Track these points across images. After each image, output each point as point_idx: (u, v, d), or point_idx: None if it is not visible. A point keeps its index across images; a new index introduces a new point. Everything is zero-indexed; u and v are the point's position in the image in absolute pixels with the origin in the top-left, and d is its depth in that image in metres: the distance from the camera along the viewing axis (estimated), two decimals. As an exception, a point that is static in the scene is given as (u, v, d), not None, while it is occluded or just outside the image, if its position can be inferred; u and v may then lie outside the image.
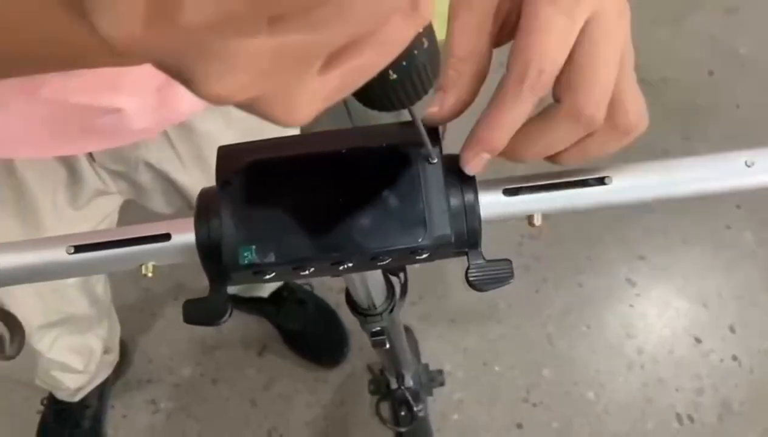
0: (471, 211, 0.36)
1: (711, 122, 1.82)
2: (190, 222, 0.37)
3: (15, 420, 1.41)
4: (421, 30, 0.22)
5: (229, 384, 1.47)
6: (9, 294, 0.95)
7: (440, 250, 0.35)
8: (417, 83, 0.28)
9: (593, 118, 0.32)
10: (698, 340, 1.49)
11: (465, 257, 0.37)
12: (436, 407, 1.39)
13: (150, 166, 0.78)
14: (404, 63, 0.25)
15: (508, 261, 0.37)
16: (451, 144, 0.38)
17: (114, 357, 1.32)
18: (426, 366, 1.17)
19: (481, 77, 0.34)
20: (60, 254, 0.38)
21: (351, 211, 0.35)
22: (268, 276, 0.36)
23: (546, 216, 0.38)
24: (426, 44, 0.26)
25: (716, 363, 1.46)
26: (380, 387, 1.07)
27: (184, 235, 0.37)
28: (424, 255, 0.36)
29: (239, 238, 0.34)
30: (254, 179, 0.35)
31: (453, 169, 0.36)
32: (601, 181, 0.37)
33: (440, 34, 0.36)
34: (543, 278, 1.57)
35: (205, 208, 0.36)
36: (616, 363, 1.47)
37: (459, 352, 1.48)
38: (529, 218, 0.38)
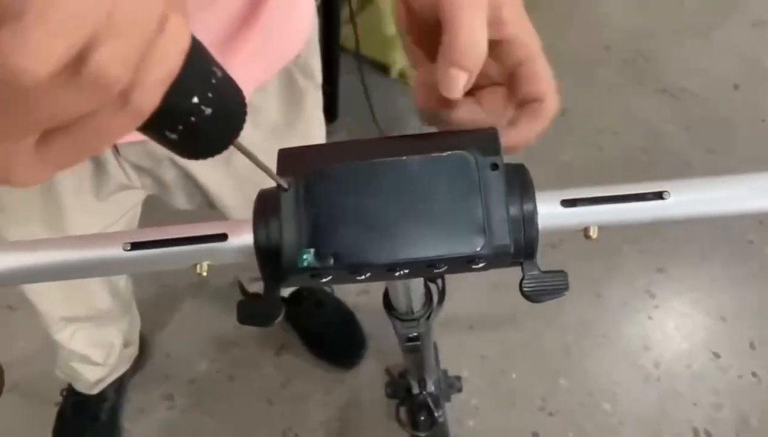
0: (529, 221, 0.36)
1: (735, 136, 1.81)
2: (248, 223, 0.37)
3: (33, 410, 1.42)
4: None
5: (246, 382, 1.47)
6: (32, 286, 0.96)
7: (498, 260, 0.35)
8: (203, 139, 0.28)
9: None
10: (717, 355, 1.48)
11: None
12: (452, 413, 1.37)
13: (174, 163, 0.78)
14: (180, 127, 0.27)
15: (563, 272, 0.37)
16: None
17: (133, 350, 1.32)
18: (445, 371, 1.17)
19: None
20: (116, 251, 0.38)
21: (410, 217, 0.35)
22: (324, 280, 0.36)
23: (602, 229, 0.38)
24: (208, 112, 0.27)
25: (734, 379, 1.45)
26: (398, 391, 1.07)
27: (242, 236, 0.37)
28: (481, 264, 0.36)
29: (299, 241, 0.35)
30: (314, 183, 0.36)
31: (513, 178, 0.36)
32: (659, 196, 0.37)
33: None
34: (562, 287, 1.56)
35: (264, 210, 0.37)
36: (632, 374, 1.47)
37: (477, 359, 1.48)
38: (585, 230, 0.38)
